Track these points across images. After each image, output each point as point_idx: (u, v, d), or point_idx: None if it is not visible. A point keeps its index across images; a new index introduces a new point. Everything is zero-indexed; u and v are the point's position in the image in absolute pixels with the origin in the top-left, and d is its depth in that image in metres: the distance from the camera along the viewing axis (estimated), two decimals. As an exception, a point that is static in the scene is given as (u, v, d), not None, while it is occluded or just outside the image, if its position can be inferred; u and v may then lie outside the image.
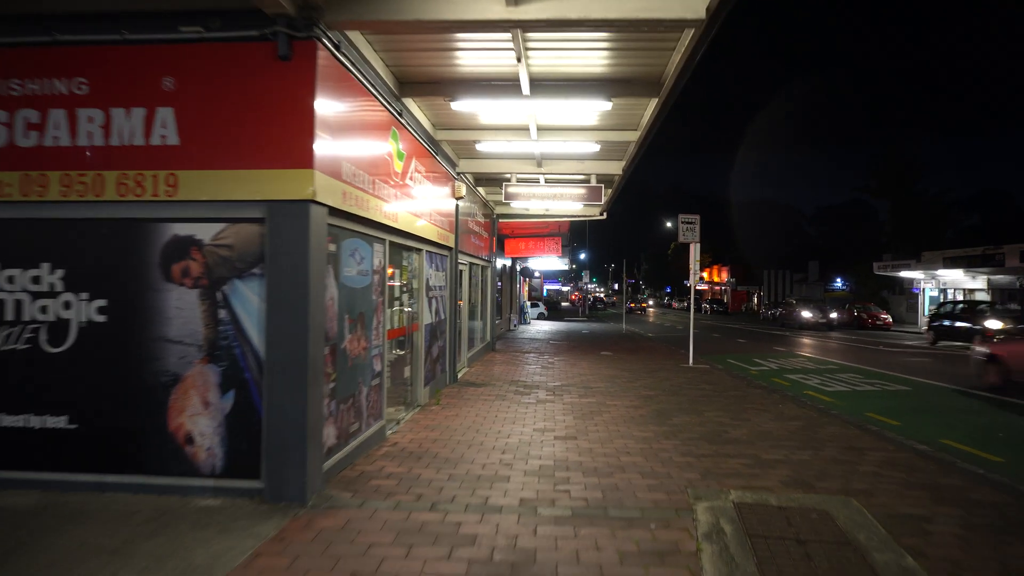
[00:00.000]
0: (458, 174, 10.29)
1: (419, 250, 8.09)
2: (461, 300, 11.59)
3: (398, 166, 6.51)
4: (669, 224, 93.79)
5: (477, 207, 13.12)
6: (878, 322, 33.22)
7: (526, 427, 7.07)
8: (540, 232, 19.90)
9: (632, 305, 75.27)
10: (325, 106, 4.59)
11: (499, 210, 15.85)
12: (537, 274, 54.01)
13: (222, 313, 4.51)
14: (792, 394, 9.95)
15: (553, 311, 43.15)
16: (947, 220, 42.67)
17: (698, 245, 14.12)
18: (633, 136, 8.36)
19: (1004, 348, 10.75)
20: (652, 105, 7.13)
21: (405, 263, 7.60)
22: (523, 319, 32.52)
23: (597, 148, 8.68)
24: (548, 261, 34.04)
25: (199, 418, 4.52)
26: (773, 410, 8.35)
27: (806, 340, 24.26)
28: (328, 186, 4.63)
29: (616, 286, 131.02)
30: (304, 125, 4.43)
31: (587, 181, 11.22)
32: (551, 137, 8.53)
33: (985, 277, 31.19)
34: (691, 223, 14.07)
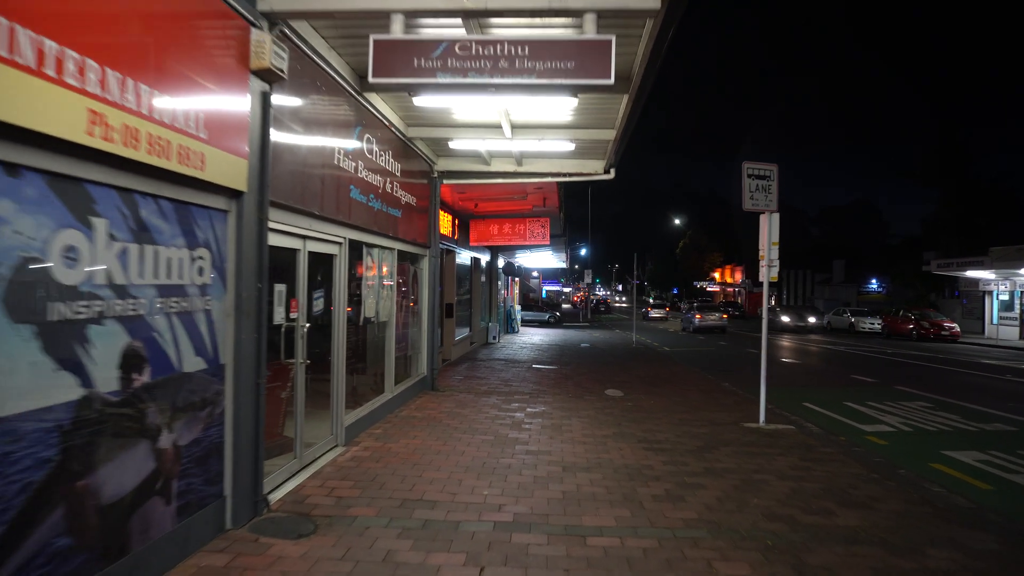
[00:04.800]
0: (266, 16, 4.31)
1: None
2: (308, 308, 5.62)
3: None
4: (677, 221, 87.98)
5: (380, 143, 7.18)
6: (943, 332, 27.12)
7: None
8: (518, 209, 13.93)
9: (607, 303, 69.04)
10: None
11: (442, 164, 9.88)
12: (535, 274, 48.08)
13: None
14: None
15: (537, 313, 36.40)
16: (1016, 210, 36.40)
17: (776, 216, 8.15)
18: None
19: None
20: None
21: None
22: (511, 327, 26.60)
23: None
24: (541, 256, 28.12)
25: None
26: None
27: (877, 362, 18.23)
28: None
29: (620, 287, 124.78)
30: None
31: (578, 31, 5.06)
32: None
33: (1084, 277, 25.13)
34: (764, 178, 8.10)
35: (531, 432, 7.13)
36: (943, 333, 27.09)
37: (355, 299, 6.82)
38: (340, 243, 6.13)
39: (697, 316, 30.71)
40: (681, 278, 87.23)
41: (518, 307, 31.69)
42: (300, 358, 5.25)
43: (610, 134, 7.93)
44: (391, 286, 7.95)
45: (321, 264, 5.96)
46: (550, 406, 8.85)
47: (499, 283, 23.35)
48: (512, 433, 7.05)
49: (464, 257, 16.23)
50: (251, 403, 4.23)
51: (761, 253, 8.22)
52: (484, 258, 19.26)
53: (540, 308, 35.99)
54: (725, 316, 32.48)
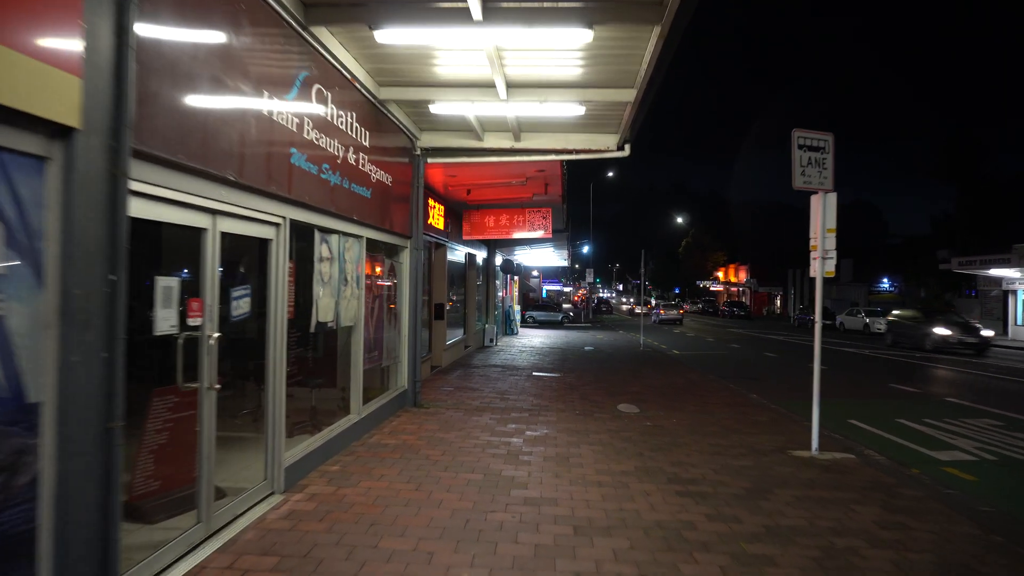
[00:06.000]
0: None
1: None
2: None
3: None
4: (680, 220, 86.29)
5: (340, 101, 5.69)
6: (968, 334, 25.52)
7: None
8: (517, 197, 12.41)
9: (608, 303, 66.98)
10: None
11: (426, 140, 8.37)
12: (536, 272, 46.51)
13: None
14: None
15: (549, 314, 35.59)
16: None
17: (832, 196, 6.64)
18: None
19: None
20: None
21: None
22: (510, 329, 25.13)
23: None
24: (542, 254, 26.64)
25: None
26: None
27: (908, 367, 16.76)
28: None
29: (620, 286, 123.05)
30: None
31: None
32: None
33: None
34: (818, 150, 6.60)
35: (531, 467, 5.62)
36: (967, 335, 25.51)
37: (304, 298, 5.31)
38: (277, 224, 4.62)
39: (661, 311, 40.73)
40: (683, 277, 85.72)
41: (517, 307, 30.21)
42: (206, 381, 3.74)
43: (628, 95, 6.41)
44: (358, 283, 6.43)
45: (247, 251, 4.47)
46: (554, 427, 7.35)
47: (496, 282, 21.86)
48: (507, 469, 5.54)
49: (458, 253, 14.73)
50: (95, 462, 2.73)
51: (813, 242, 6.72)
52: (480, 254, 17.78)
53: (552, 308, 35.80)
54: (681, 311, 43.80)
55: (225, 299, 4.02)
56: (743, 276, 69.15)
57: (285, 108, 4.53)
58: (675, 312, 41.53)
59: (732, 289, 73.15)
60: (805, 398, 10.74)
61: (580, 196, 55.11)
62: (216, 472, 4.10)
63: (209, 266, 3.77)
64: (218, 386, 3.79)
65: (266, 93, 4.24)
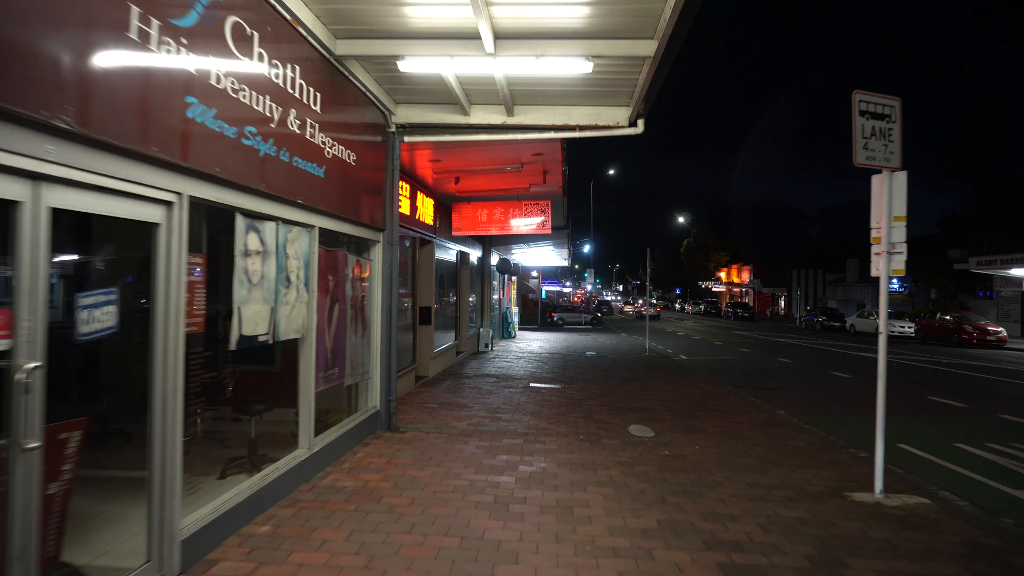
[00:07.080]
0: None
1: None
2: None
3: None
4: (681, 219, 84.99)
5: (275, 51, 4.38)
6: (988, 338, 24.31)
7: None
8: (512, 188, 11.07)
9: (609, 304, 65.56)
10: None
11: (403, 114, 7.06)
12: (535, 273, 45.22)
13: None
14: None
15: (547, 317, 35.64)
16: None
17: (900, 176, 5.34)
18: None
19: None
20: None
21: None
22: (507, 332, 23.84)
23: None
24: (541, 253, 25.32)
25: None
26: None
27: (940, 375, 15.48)
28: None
29: (620, 287, 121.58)
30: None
31: None
32: None
33: None
34: (882, 118, 5.30)
35: (524, 524, 4.31)
36: (988, 339, 24.29)
37: (224, 305, 4.01)
38: (168, 202, 3.30)
39: (642, 309, 46.33)
40: (685, 278, 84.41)
41: (515, 309, 28.94)
42: (22, 434, 2.43)
43: (648, 47, 5.11)
44: (307, 284, 5.12)
45: (115, 238, 3.17)
46: (553, 459, 6.04)
47: (493, 282, 20.56)
48: (492, 528, 4.23)
49: (449, 251, 13.44)
50: None
51: (875, 233, 5.41)
52: (474, 253, 16.48)
53: (578, 311, 38.01)
54: (659, 309, 58.60)
55: (66, 307, 2.72)
56: (746, 277, 67.88)
57: (175, 37, 3.23)
58: (653, 310, 52.05)
59: (735, 290, 71.88)
60: (838, 414, 9.50)
61: (580, 195, 53.81)
62: (88, 546, 2.83)
63: (27, 260, 2.46)
64: (33, 445, 2.46)
65: (136, 7, 2.93)
